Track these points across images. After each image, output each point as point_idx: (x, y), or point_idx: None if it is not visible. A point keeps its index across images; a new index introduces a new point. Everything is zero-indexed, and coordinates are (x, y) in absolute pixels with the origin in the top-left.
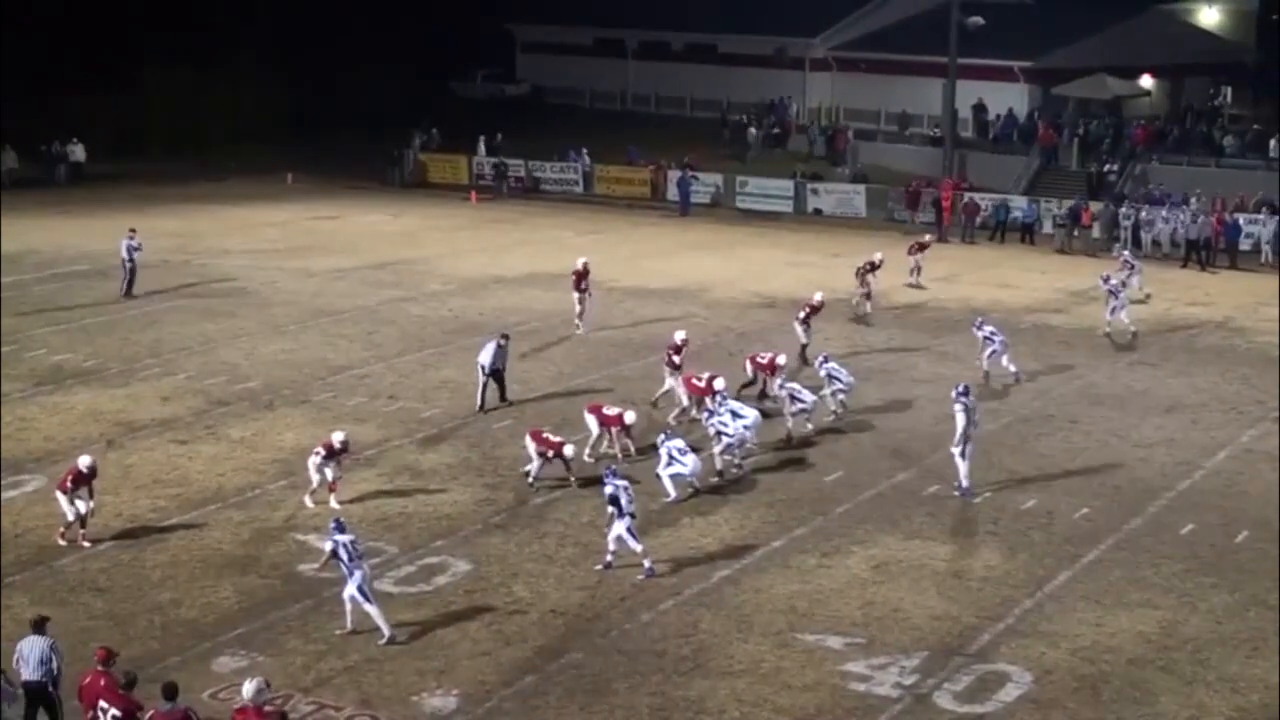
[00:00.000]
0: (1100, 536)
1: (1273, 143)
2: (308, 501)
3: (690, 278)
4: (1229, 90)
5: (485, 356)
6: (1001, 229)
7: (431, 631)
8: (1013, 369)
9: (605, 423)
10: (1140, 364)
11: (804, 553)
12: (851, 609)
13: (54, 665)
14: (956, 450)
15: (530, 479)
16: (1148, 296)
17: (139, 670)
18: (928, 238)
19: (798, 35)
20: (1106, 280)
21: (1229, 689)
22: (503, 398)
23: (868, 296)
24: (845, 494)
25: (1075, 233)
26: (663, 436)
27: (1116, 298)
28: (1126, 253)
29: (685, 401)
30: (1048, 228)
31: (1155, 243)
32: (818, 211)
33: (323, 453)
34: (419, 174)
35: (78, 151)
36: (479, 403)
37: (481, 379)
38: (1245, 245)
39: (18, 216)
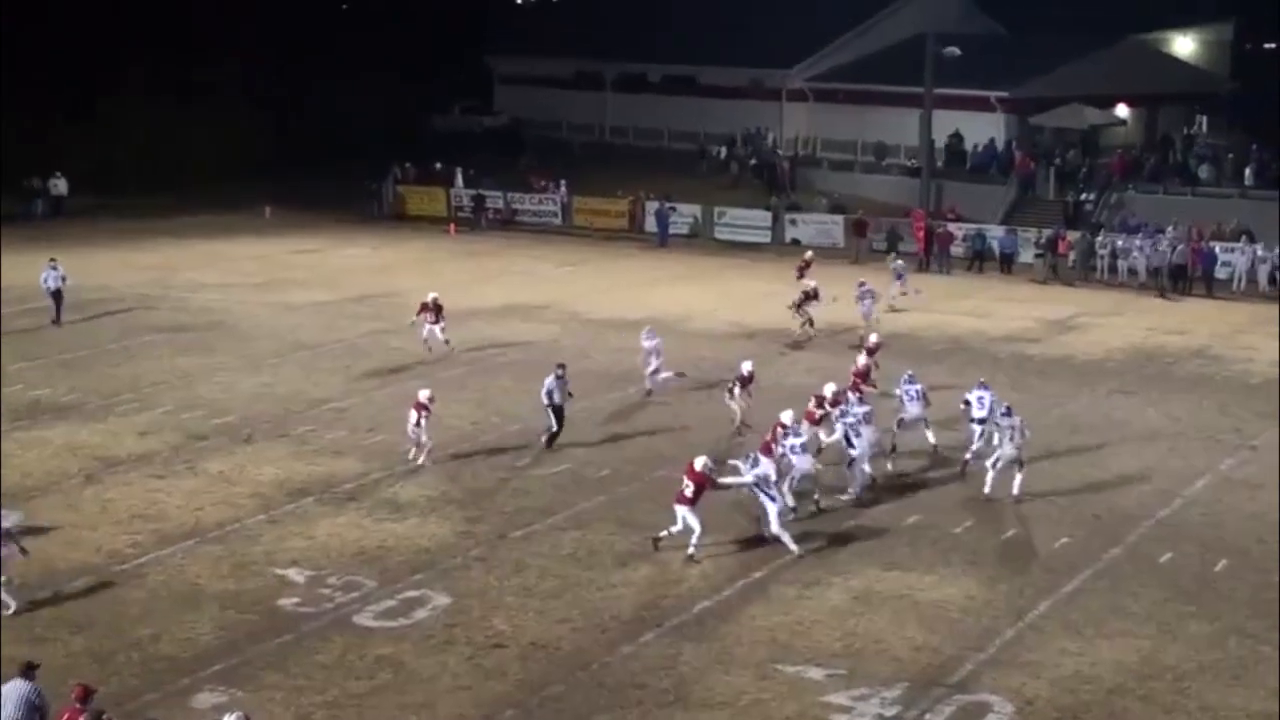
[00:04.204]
0: (1080, 566)
1: (1248, 171)
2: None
3: (669, 308)
4: (1204, 119)
5: (547, 394)
6: (979, 259)
7: (411, 666)
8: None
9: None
10: (1118, 393)
11: (785, 584)
12: (832, 640)
13: (36, 715)
14: (989, 462)
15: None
16: (902, 296)
17: (117, 707)
18: (809, 254)
19: (774, 66)
20: (862, 285)
21: (1209, 718)
22: (555, 434)
23: (810, 324)
24: (825, 524)
25: (1053, 262)
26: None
27: (871, 300)
28: (900, 262)
29: (736, 422)
30: (1025, 257)
31: (1132, 271)
32: (796, 242)
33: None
34: (398, 206)
35: (59, 185)
36: (546, 439)
37: (553, 416)
38: (1221, 274)
39: None
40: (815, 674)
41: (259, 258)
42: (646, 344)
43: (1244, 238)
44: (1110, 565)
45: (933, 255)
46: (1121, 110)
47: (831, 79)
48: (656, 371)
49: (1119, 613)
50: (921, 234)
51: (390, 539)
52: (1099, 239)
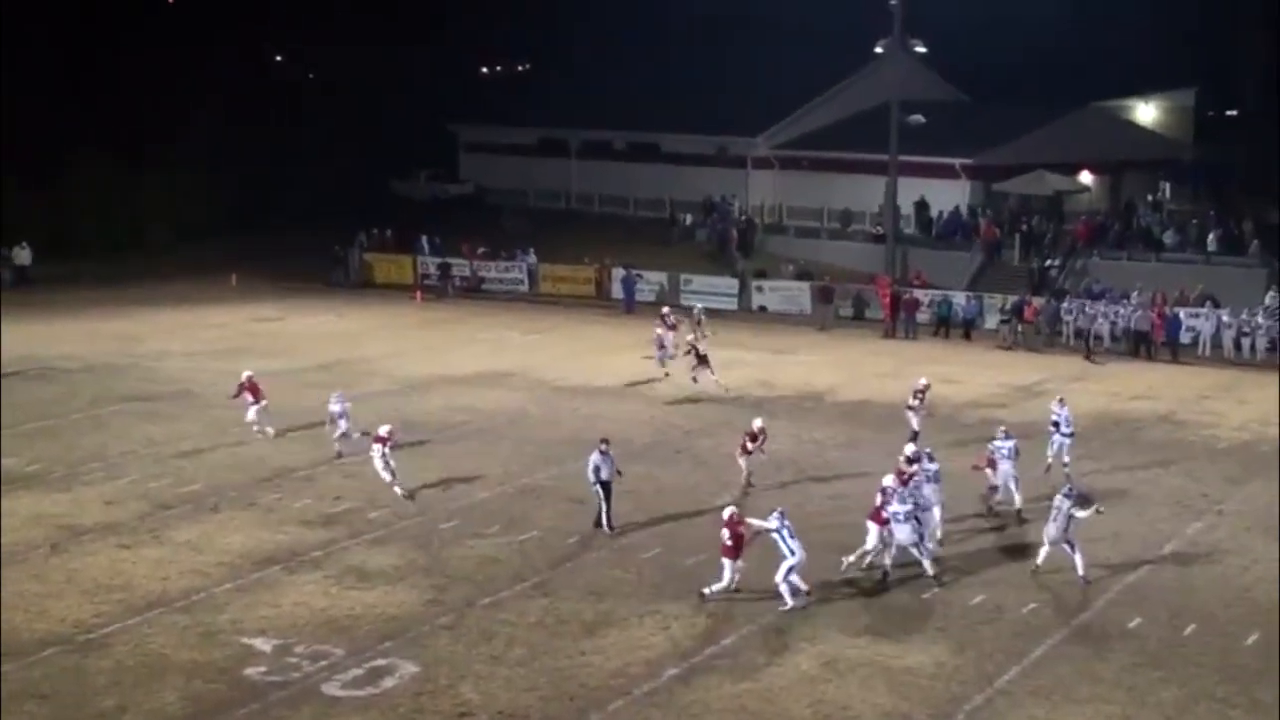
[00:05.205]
0: (1048, 631)
1: (1211, 237)
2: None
3: (636, 375)
4: (1168, 186)
5: (595, 472)
6: (945, 325)
7: None
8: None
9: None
10: (1084, 458)
11: (753, 650)
12: (801, 708)
13: None
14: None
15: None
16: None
17: None
18: (665, 310)
19: (740, 134)
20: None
21: None
22: (606, 514)
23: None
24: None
25: (1019, 328)
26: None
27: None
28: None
29: (744, 479)
30: (990, 323)
31: (1097, 337)
32: (763, 309)
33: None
34: (364, 274)
35: (24, 255)
36: (601, 520)
37: (601, 494)
38: (1186, 339)
39: None
40: None
41: (224, 325)
42: (334, 408)
43: (1208, 303)
44: (1079, 630)
45: (899, 321)
46: (1085, 177)
47: (797, 146)
48: (346, 435)
49: (1088, 678)
50: (887, 300)
51: (358, 607)
52: (1064, 305)
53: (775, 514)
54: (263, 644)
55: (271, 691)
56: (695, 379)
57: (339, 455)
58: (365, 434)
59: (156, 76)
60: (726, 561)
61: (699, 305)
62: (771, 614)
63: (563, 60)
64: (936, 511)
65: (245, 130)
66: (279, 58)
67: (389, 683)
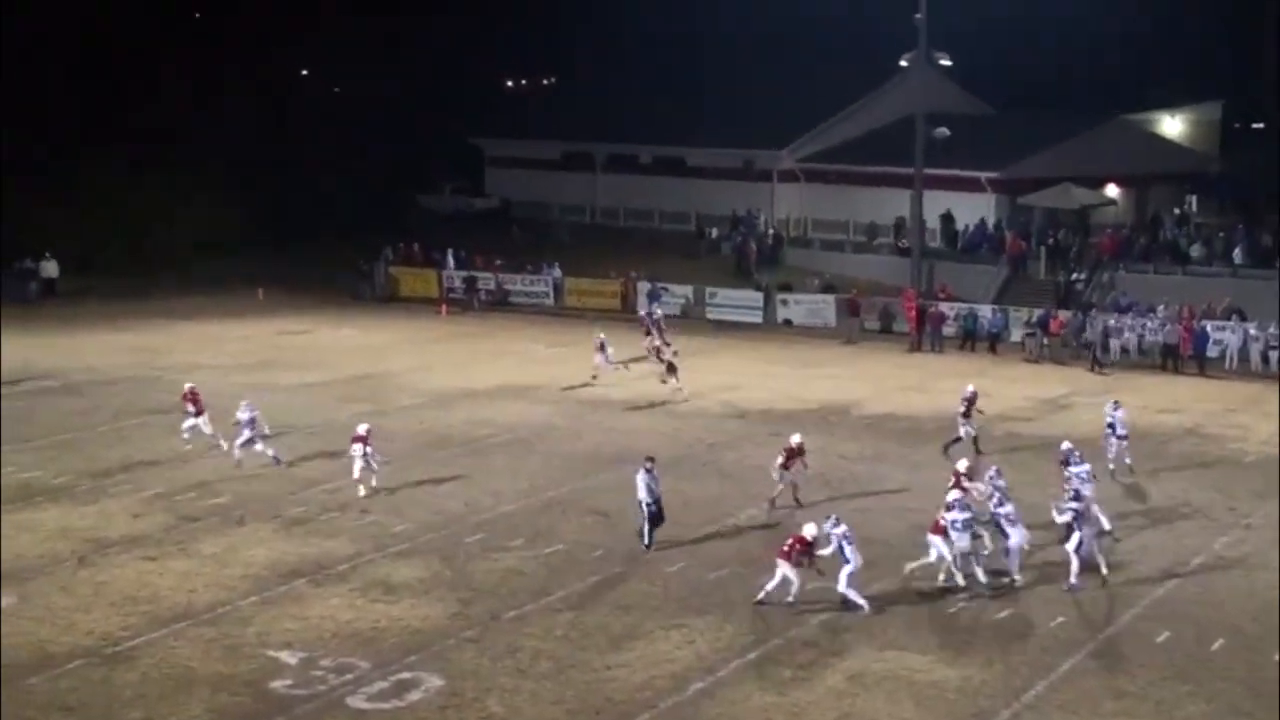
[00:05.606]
0: (1076, 646)
1: (1238, 250)
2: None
3: (660, 389)
4: (1194, 199)
5: (642, 491)
6: (971, 338)
7: None
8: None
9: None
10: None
11: (779, 664)
12: None
13: None
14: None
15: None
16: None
17: None
18: (600, 335)
19: (765, 148)
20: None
21: None
22: (653, 530)
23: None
24: (820, 604)
25: (1044, 341)
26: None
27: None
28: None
29: (776, 490)
30: (1015, 337)
31: (1124, 350)
32: (788, 322)
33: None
34: (390, 288)
35: (50, 268)
36: (646, 541)
37: (646, 514)
38: (1213, 352)
39: None
40: None
41: (250, 338)
42: (242, 415)
43: (1235, 316)
44: (1106, 645)
45: (924, 335)
46: (1111, 190)
47: (822, 160)
48: (251, 441)
49: (1115, 693)
50: (913, 313)
51: (383, 620)
52: (1090, 318)
53: (830, 520)
54: (288, 657)
55: (297, 704)
56: (664, 380)
57: (238, 465)
58: (278, 460)
59: (184, 91)
60: (785, 567)
61: (659, 310)
62: (797, 628)
63: (587, 75)
64: (1019, 533)
65: (272, 144)
66: (305, 72)
67: (414, 696)
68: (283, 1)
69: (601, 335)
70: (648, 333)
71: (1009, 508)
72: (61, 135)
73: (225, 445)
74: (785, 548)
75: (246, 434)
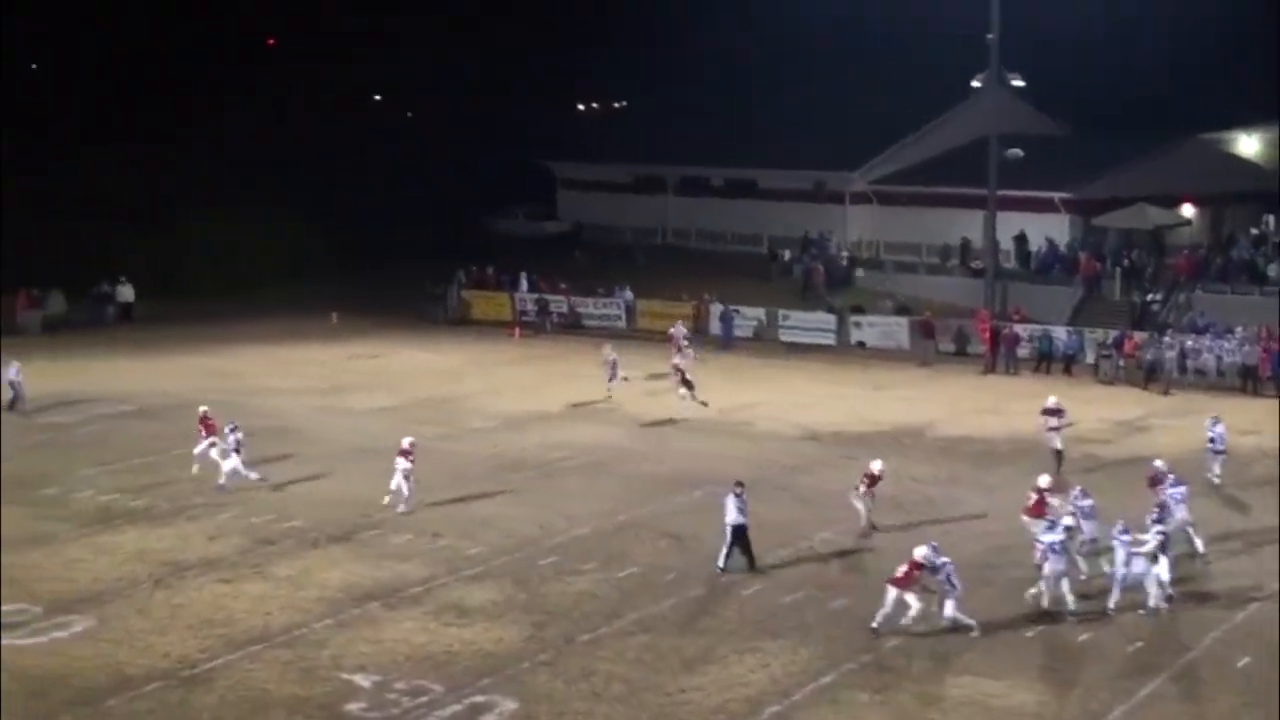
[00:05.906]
0: (1154, 670)
1: None
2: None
3: (733, 411)
4: (1271, 218)
5: (731, 514)
6: (1046, 360)
7: None
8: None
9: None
10: (1193, 494)
11: (855, 688)
12: None
13: None
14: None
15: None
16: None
17: None
18: (608, 349)
19: (837, 169)
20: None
21: None
22: (748, 557)
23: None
24: (897, 629)
25: (1120, 363)
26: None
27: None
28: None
29: (863, 522)
30: (1090, 358)
31: (1200, 371)
32: (861, 344)
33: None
34: (462, 311)
35: (126, 292)
36: (721, 564)
37: (730, 538)
38: None
39: (65, 358)
40: None
41: (324, 362)
42: (232, 439)
43: None
44: (1185, 670)
45: (999, 356)
46: (1187, 210)
47: (894, 181)
48: (236, 471)
49: (1193, 718)
50: (987, 335)
51: (457, 644)
52: (1167, 339)
53: (928, 547)
54: (363, 680)
55: None
56: (683, 396)
57: (221, 487)
58: (262, 479)
59: (259, 119)
60: (898, 593)
61: (683, 329)
62: (872, 652)
63: (658, 97)
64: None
65: (345, 169)
66: (378, 97)
67: (488, 719)
68: (359, 27)
69: (614, 355)
70: (678, 350)
71: (1090, 528)
72: (139, 164)
73: (244, 473)
74: (900, 574)
75: (235, 459)
